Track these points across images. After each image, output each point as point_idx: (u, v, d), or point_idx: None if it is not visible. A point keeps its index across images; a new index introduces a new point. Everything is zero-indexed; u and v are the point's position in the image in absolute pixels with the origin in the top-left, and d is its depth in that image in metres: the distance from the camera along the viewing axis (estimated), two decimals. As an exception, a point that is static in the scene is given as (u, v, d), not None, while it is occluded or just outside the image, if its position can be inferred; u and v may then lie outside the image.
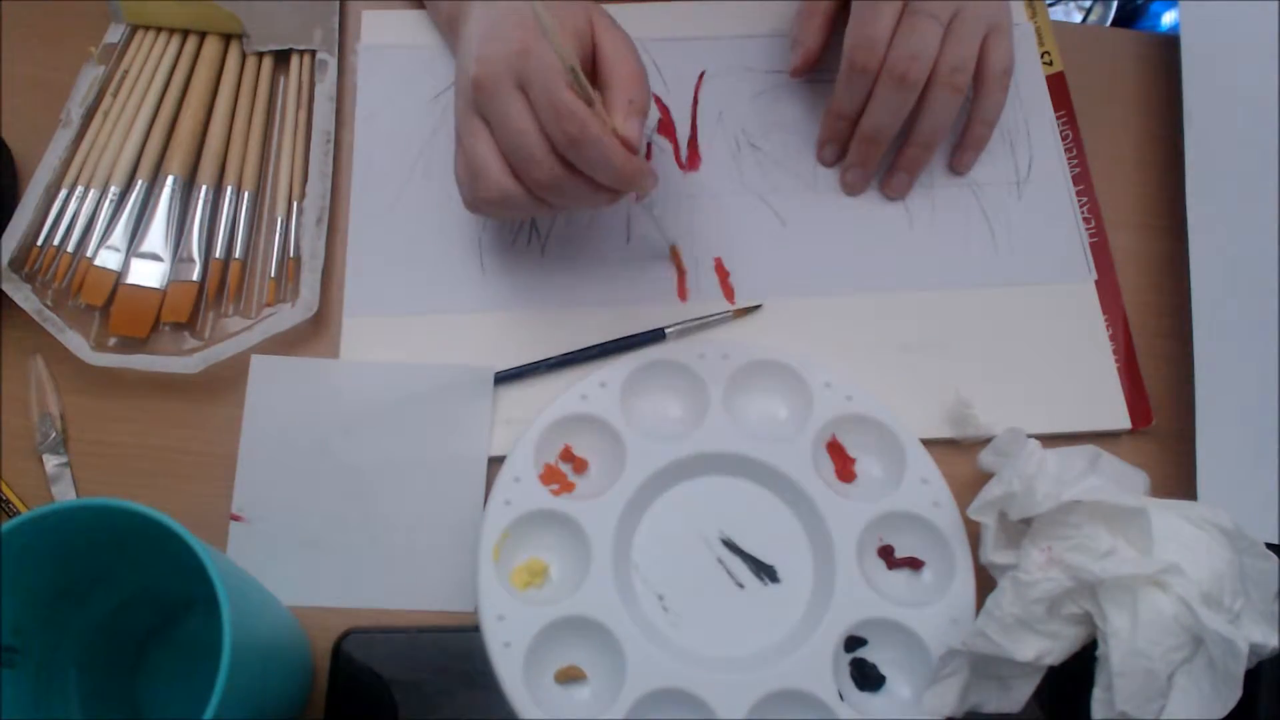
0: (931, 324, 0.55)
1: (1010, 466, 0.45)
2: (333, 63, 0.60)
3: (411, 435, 0.51)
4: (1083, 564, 0.42)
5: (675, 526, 0.50)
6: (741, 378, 0.52)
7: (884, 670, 0.47)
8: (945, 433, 0.52)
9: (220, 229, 0.56)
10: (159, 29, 0.61)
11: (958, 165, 0.58)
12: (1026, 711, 0.44)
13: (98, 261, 0.54)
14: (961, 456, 0.51)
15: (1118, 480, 0.46)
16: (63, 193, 0.56)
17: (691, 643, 0.47)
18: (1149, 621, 0.41)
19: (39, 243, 0.55)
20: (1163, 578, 0.41)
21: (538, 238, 0.56)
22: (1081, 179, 0.59)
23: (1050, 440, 0.47)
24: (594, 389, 0.51)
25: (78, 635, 0.44)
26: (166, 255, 0.55)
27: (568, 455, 0.51)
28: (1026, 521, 0.45)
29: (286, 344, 0.53)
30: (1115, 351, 0.54)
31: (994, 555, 0.45)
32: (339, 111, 0.59)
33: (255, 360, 0.52)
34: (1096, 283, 0.56)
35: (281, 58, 0.61)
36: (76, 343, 0.52)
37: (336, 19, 0.61)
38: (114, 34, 0.60)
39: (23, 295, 0.52)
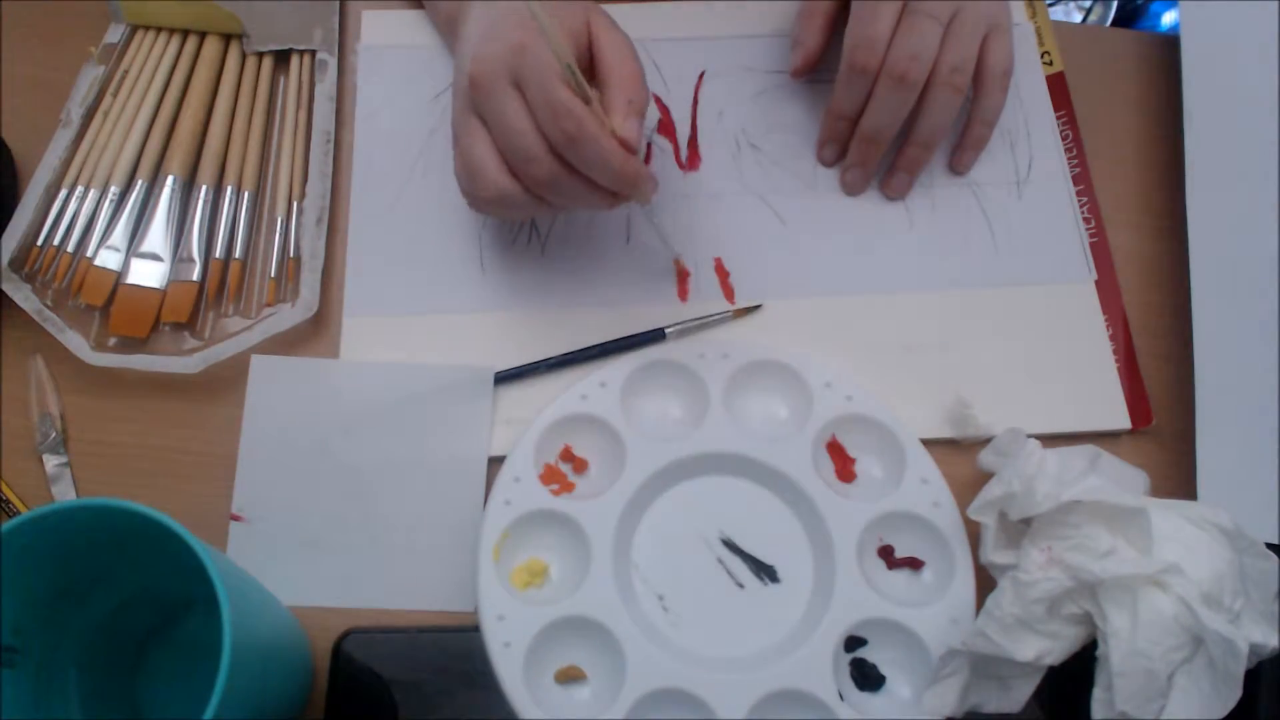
0: (931, 324, 0.55)
1: (1010, 466, 0.45)
2: (333, 63, 0.60)
3: (411, 435, 0.51)
4: (1083, 564, 0.42)
5: (675, 526, 0.50)
6: (741, 378, 0.52)
7: (884, 670, 0.47)
8: (945, 433, 0.52)
9: (220, 229, 0.56)
10: (159, 29, 0.61)
11: (958, 165, 0.58)
12: (1026, 711, 0.44)
13: (98, 261, 0.54)
14: (961, 456, 0.51)
15: (1118, 480, 0.46)
16: (63, 193, 0.56)
17: (691, 643, 0.47)
18: (1149, 621, 0.41)
19: (39, 243, 0.55)
20: (1163, 578, 0.41)
21: (538, 238, 0.56)
22: (1081, 179, 0.59)
23: (1050, 440, 0.47)
24: (594, 389, 0.51)
25: (78, 635, 0.44)
26: (166, 255, 0.55)
27: (568, 455, 0.51)
28: (1026, 521, 0.45)
29: (286, 344, 0.53)
30: (1115, 351, 0.54)
31: (994, 555, 0.45)
32: (339, 111, 0.59)
33: (255, 360, 0.52)
34: (1096, 283, 0.56)
35: (281, 58, 0.61)
36: (76, 343, 0.52)
37: (336, 19, 0.61)
38: (114, 34, 0.60)
39: (23, 295, 0.52)
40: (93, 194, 0.56)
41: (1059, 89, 0.61)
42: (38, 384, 0.53)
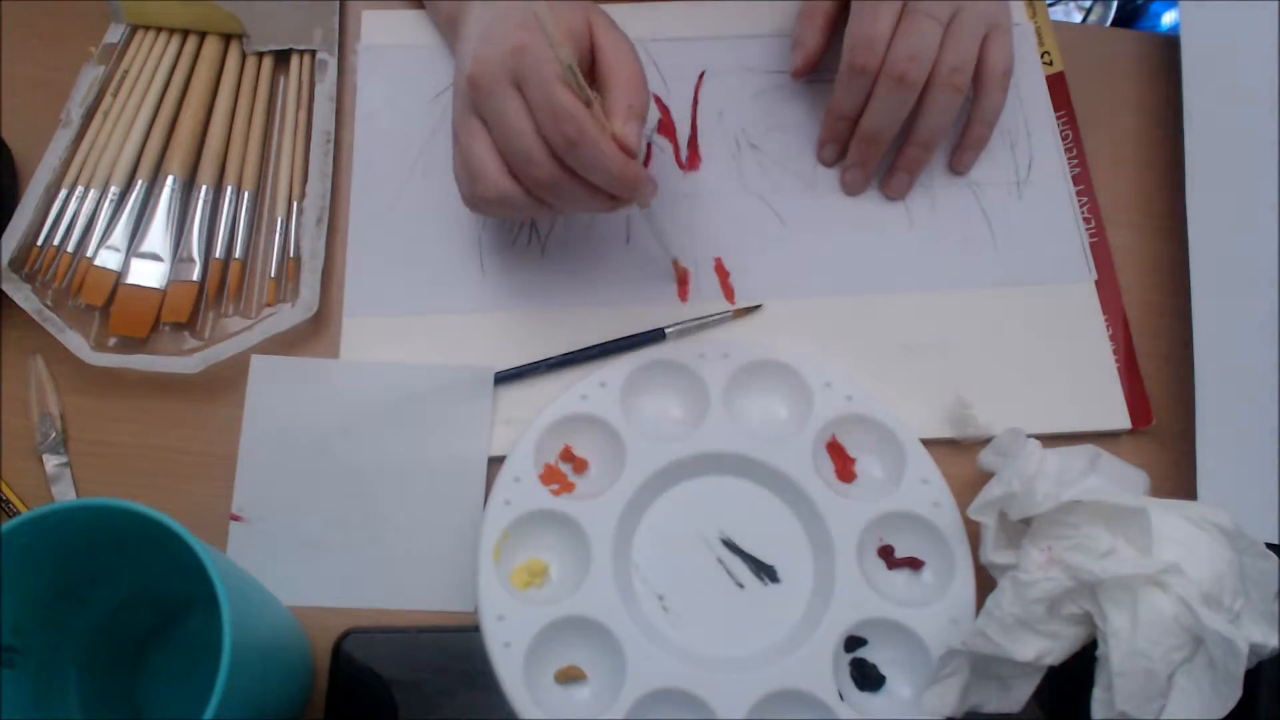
0: (931, 324, 0.55)
1: (1010, 466, 0.45)
2: (333, 63, 0.60)
3: (411, 435, 0.51)
4: (1083, 564, 0.42)
5: (675, 526, 0.50)
6: (742, 378, 0.52)
7: (884, 670, 0.47)
8: (945, 433, 0.52)
9: (220, 229, 0.56)
10: (159, 29, 0.61)
11: (958, 165, 0.58)
12: (1026, 711, 0.44)
13: (98, 261, 0.54)
14: (961, 456, 0.51)
15: (1118, 480, 0.46)
16: (63, 193, 0.56)
17: (691, 643, 0.47)
18: (1149, 621, 0.41)
19: (39, 243, 0.55)
20: (1163, 578, 0.41)
21: (538, 238, 0.56)
22: (1081, 179, 0.59)
23: (1050, 440, 0.47)
24: (594, 389, 0.51)
25: (78, 635, 0.44)
26: (166, 255, 0.55)
27: (568, 455, 0.51)
28: (1026, 521, 0.45)
29: (286, 344, 0.53)
30: (1115, 351, 0.54)
31: (994, 555, 0.45)
32: (339, 111, 0.59)
33: (255, 360, 0.52)
34: (1096, 283, 0.56)
35: (281, 58, 0.61)
36: (76, 343, 0.52)
37: (336, 19, 0.61)
38: (114, 34, 0.60)
39: (23, 295, 0.52)
40: (93, 194, 0.56)
41: (1059, 89, 0.61)
42: (38, 384, 0.53)
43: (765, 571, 0.49)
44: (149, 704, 0.47)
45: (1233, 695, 0.40)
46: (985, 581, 0.46)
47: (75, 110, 0.57)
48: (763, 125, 0.59)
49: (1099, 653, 0.42)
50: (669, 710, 0.45)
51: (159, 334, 0.54)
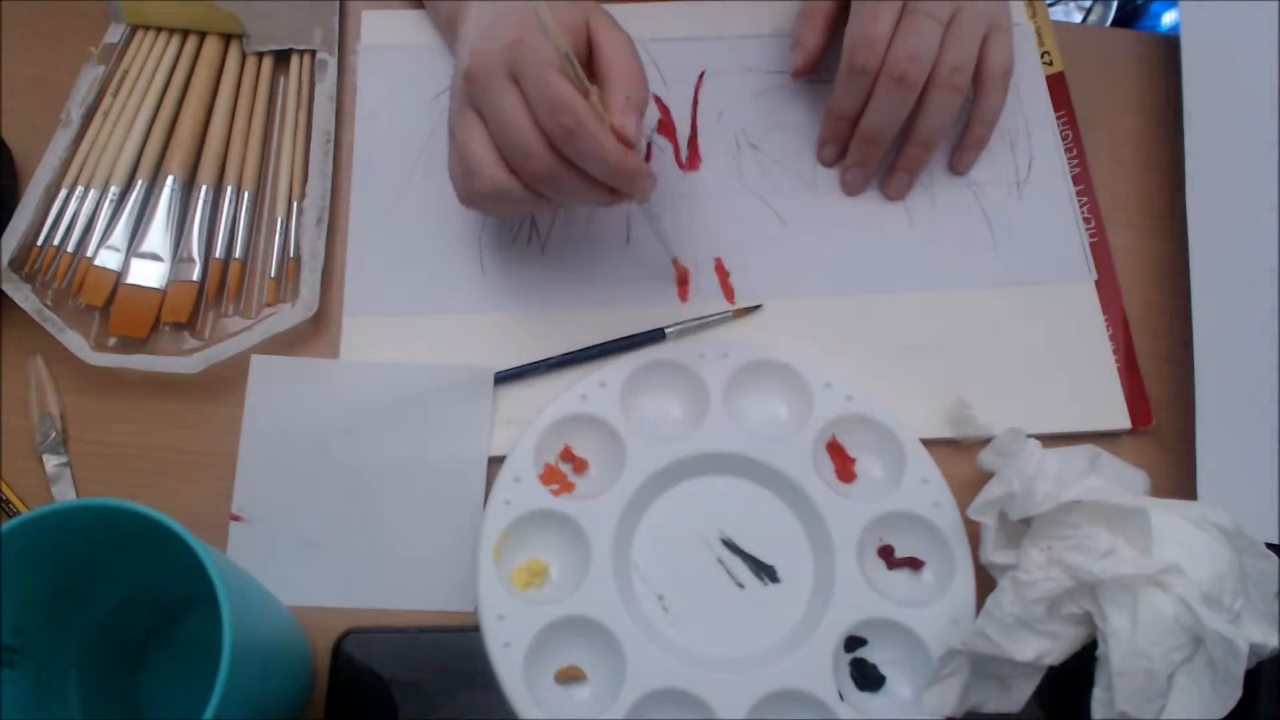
0: (931, 324, 0.55)
1: (1010, 466, 0.45)
2: (333, 63, 0.60)
3: (411, 435, 0.51)
4: (1083, 564, 0.42)
5: (675, 526, 0.50)
6: (741, 378, 0.52)
7: (884, 670, 0.47)
8: (945, 433, 0.52)
9: (220, 229, 0.56)
10: (159, 29, 0.61)
11: (958, 165, 0.58)
12: (1026, 711, 0.44)
13: (98, 261, 0.54)
14: (961, 456, 0.51)
15: (1118, 480, 0.46)
16: (63, 193, 0.56)
17: (691, 643, 0.47)
18: (1149, 621, 0.41)
19: (39, 243, 0.55)
20: (1163, 578, 0.41)
21: (537, 237, 0.56)
22: (1081, 179, 0.59)
23: (1050, 440, 0.47)
24: (594, 389, 0.51)
25: (78, 635, 0.44)
26: (166, 255, 0.55)
27: (568, 455, 0.51)
28: (1026, 521, 0.45)
29: (286, 344, 0.53)
30: (1115, 351, 0.54)
31: (994, 555, 0.45)
32: (339, 111, 0.59)
33: (255, 360, 0.52)
34: (1096, 283, 0.56)
35: (281, 58, 0.61)
36: (76, 343, 0.52)
37: (336, 19, 0.61)
38: (114, 34, 0.60)
39: (23, 295, 0.52)
40: (93, 194, 0.56)
41: (1059, 89, 0.61)
42: (38, 384, 0.53)
43: (765, 571, 0.49)
44: (149, 704, 0.47)
45: (1233, 695, 0.40)
46: (985, 581, 0.46)
47: (75, 110, 0.57)
48: (763, 125, 0.59)
49: (1099, 653, 0.42)
50: (669, 710, 0.45)
51: (159, 334, 0.54)
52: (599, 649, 0.46)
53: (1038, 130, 0.60)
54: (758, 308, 0.55)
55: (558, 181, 0.45)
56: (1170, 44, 0.61)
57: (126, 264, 0.54)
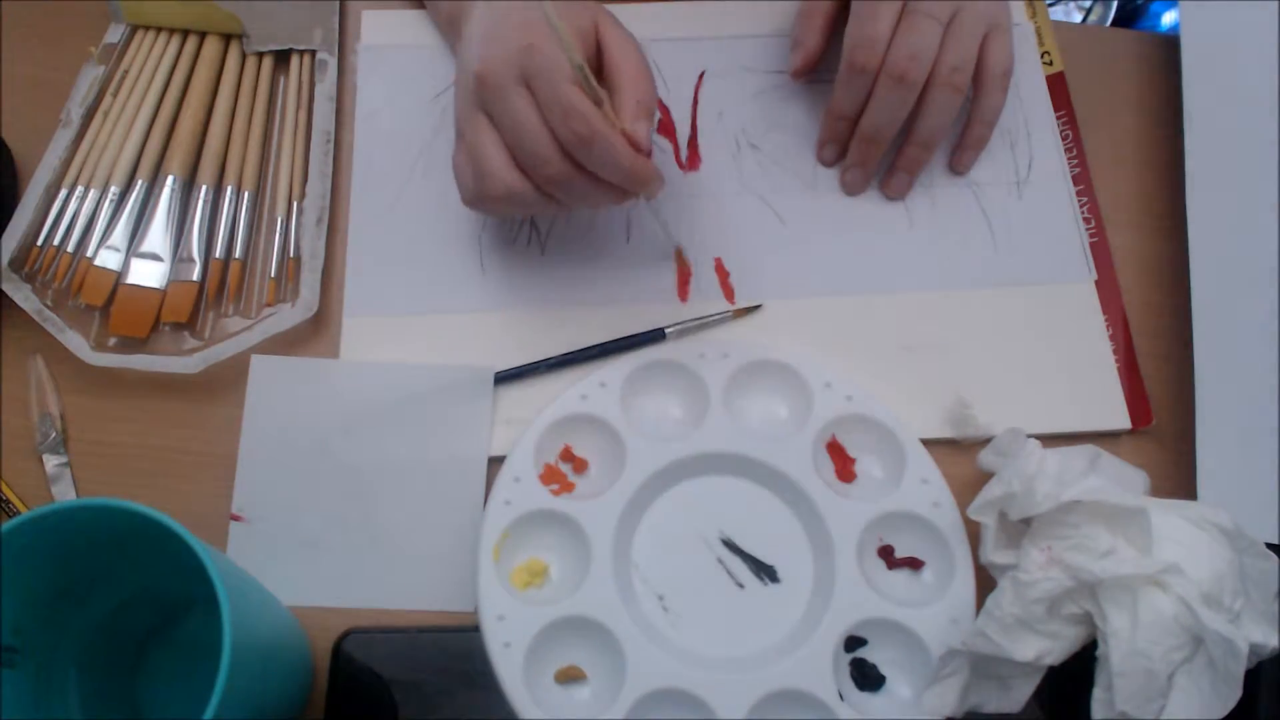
0: (931, 324, 0.55)
1: (1010, 466, 0.45)
2: (333, 63, 0.60)
3: (411, 435, 0.51)
4: (1083, 564, 0.42)
5: (675, 526, 0.50)
6: (741, 378, 0.52)
7: (884, 670, 0.47)
8: (945, 433, 0.52)
9: (220, 229, 0.56)
10: (159, 29, 0.61)
11: (958, 165, 0.58)
12: (1026, 711, 0.44)
13: (98, 261, 0.54)
14: (961, 456, 0.51)
15: (1118, 480, 0.46)
16: (63, 193, 0.56)
17: (691, 643, 0.47)
18: (1149, 621, 0.41)
19: (39, 243, 0.55)
20: (1163, 578, 0.41)
21: (538, 237, 0.56)
22: (1081, 179, 0.59)
23: (1050, 440, 0.47)
24: (594, 389, 0.51)
25: (78, 635, 0.44)
26: (166, 255, 0.55)
27: (568, 455, 0.51)
28: (1026, 521, 0.45)
29: (286, 344, 0.53)
30: (1115, 351, 0.54)
31: (994, 555, 0.45)
32: (339, 111, 0.59)
33: (255, 360, 0.52)
34: (1096, 283, 0.56)
35: (281, 58, 0.61)
36: (76, 343, 0.52)
37: (336, 19, 0.61)
38: (114, 34, 0.60)
39: (23, 295, 0.52)
40: (93, 194, 0.56)
41: (1059, 89, 0.61)
42: (38, 384, 0.53)
43: (765, 571, 0.49)
44: (149, 704, 0.47)
45: (1233, 695, 0.40)
46: (985, 581, 0.46)
47: (75, 110, 0.57)
48: (763, 125, 0.59)
49: (1099, 653, 0.42)
50: (669, 710, 0.45)
51: (159, 334, 0.54)
52: (599, 649, 0.46)
53: (1038, 130, 0.60)
54: (758, 308, 0.55)
55: (570, 185, 0.46)
56: (1170, 44, 0.61)
57: (126, 264, 0.54)
